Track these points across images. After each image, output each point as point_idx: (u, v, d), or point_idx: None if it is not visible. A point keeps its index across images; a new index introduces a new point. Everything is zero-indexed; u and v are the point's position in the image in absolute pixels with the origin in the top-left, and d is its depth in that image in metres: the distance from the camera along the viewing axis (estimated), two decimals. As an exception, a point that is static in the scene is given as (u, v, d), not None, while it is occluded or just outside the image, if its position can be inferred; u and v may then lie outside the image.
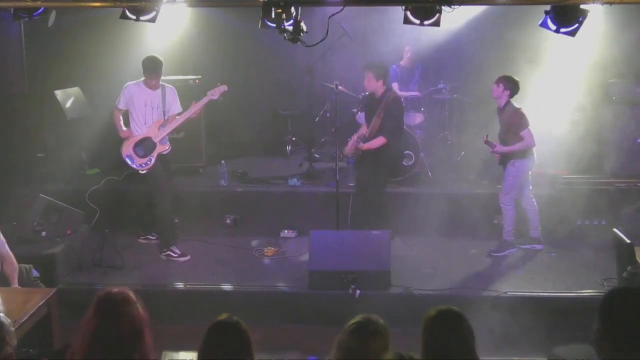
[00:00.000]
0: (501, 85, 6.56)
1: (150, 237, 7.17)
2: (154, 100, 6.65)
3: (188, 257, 6.74)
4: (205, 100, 6.70)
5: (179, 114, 6.75)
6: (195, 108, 6.67)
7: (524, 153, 6.62)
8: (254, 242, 7.12)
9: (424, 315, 2.81)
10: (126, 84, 6.74)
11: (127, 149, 6.63)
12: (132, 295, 2.94)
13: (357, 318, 2.87)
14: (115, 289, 2.94)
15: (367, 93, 7.18)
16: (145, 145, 6.62)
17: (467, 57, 8.79)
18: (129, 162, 6.64)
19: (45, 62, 8.01)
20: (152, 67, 6.55)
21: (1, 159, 7.69)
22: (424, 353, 2.75)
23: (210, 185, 7.82)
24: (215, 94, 6.69)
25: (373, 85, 6.72)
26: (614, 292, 2.68)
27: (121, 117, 6.72)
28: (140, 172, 6.66)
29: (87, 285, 6.08)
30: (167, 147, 6.72)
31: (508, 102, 6.61)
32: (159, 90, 6.67)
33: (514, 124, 6.56)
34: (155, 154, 6.62)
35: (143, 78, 6.66)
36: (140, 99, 6.63)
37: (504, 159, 6.72)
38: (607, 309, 2.61)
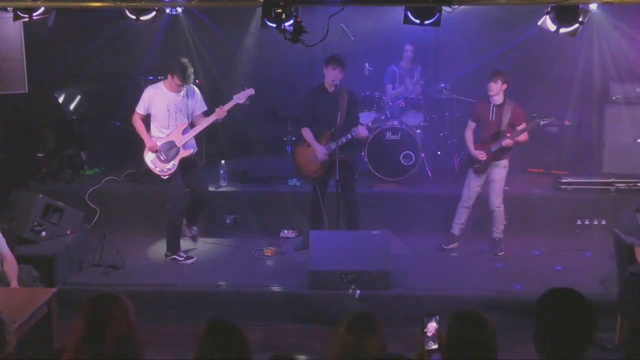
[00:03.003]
0: (499, 80, 6.53)
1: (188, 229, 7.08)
2: (177, 104, 6.42)
3: (194, 259, 6.67)
4: (231, 103, 6.51)
5: (204, 113, 6.59)
6: (221, 112, 6.45)
7: (510, 152, 6.71)
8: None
9: (448, 317, 2.82)
10: (146, 88, 6.57)
11: (150, 154, 6.48)
12: (122, 299, 2.94)
13: (351, 315, 2.88)
14: (105, 292, 2.94)
15: (319, 87, 6.77)
16: (168, 150, 6.46)
17: (467, 56, 8.80)
18: (151, 167, 6.50)
19: (45, 62, 8.01)
20: (182, 70, 6.25)
21: (1, 159, 7.70)
22: (447, 354, 2.76)
23: (210, 185, 7.82)
24: (242, 97, 6.51)
25: (340, 77, 6.53)
26: (549, 292, 2.69)
27: (143, 124, 6.48)
28: (162, 177, 6.52)
29: (87, 285, 6.07)
30: (191, 151, 6.58)
31: (506, 97, 6.62)
32: (182, 93, 6.45)
33: (518, 118, 6.59)
34: (178, 159, 6.47)
35: (163, 81, 6.47)
36: (162, 102, 6.40)
37: (496, 159, 6.68)
38: (543, 309, 2.66)
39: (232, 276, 6.36)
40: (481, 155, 6.67)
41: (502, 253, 6.81)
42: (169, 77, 6.36)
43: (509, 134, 6.55)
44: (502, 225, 6.81)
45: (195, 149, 6.74)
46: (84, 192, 7.48)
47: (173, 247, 6.68)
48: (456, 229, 6.92)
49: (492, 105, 6.65)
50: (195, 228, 7.11)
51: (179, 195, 6.63)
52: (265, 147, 9.56)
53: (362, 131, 6.53)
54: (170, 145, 6.47)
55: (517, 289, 6.02)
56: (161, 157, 6.47)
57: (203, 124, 6.54)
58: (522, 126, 6.58)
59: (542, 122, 6.66)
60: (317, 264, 5.93)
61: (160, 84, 6.50)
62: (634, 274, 4.91)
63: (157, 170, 6.50)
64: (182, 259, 6.65)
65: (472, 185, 6.80)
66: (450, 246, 6.93)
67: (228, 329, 2.81)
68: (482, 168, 6.73)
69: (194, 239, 7.11)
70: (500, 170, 6.71)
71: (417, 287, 6.01)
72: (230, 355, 2.73)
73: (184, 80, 6.28)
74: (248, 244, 7.12)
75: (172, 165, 6.48)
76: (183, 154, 6.49)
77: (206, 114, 6.63)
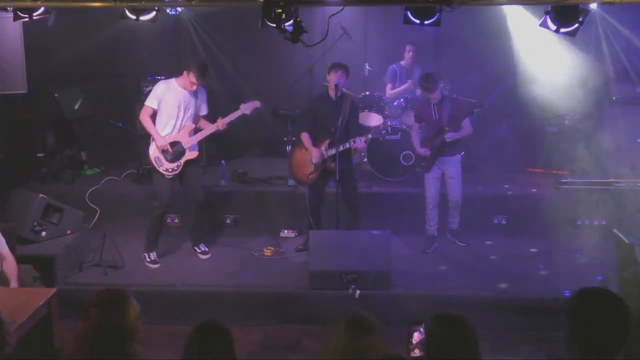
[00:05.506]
0: (438, 82, 6.74)
1: (197, 249, 6.90)
2: (188, 103, 6.36)
3: (158, 266, 6.59)
4: (237, 114, 6.49)
5: (205, 116, 6.57)
6: (226, 120, 6.44)
7: (461, 147, 6.99)
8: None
9: (429, 321, 2.81)
10: (158, 82, 6.45)
11: (156, 151, 6.39)
12: (128, 296, 2.95)
13: (350, 316, 2.88)
14: (112, 289, 2.95)
15: (324, 93, 6.78)
16: (174, 151, 6.40)
17: (466, 56, 8.79)
18: (155, 164, 6.41)
19: (45, 62, 8.01)
20: (200, 68, 6.22)
21: (1, 159, 7.70)
22: (429, 357, 2.75)
23: (210, 185, 7.82)
24: (248, 108, 6.50)
25: (343, 82, 6.55)
26: (582, 292, 2.64)
27: (151, 120, 6.38)
28: (166, 176, 6.42)
29: (87, 285, 6.07)
30: (196, 154, 6.55)
31: (442, 94, 6.85)
32: (194, 92, 6.39)
33: (461, 113, 6.77)
34: (183, 160, 6.43)
35: (175, 77, 6.38)
36: (173, 99, 6.31)
37: (443, 154, 6.81)
38: (577, 309, 2.59)
39: (232, 276, 6.36)
40: (424, 152, 6.84)
41: (428, 250, 6.95)
42: (185, 73, 6.29)
43: (452, 127, 6.72)
44: (459, 216, 7.05)
45: (197, 150, 6.73)
46: (84, 192, 7.48)
47: (147, 246, 6.64)
48: (433, 230, 7.01)
49: (432, 104, 6.82)
50: (202, 246, 6.90)
51: (165, 195, 6.48)
52: (265, 147, 9.54)
53: (359, 143, 6.54)
54: (177, 146, 6.43)
55: (516, 289, 6.04)
56: (168, 157, 6.41)
57: (206, 131, 6.51)
58: (464, 121, 6.78)
59: (475, 110, 6.76)
60: (317, 264, 5.93)
61: (172, 80, 6.41)
62: (634, 274, 4.92)
63: (161, 169, 6.41)
64: (149, 260, 6.62)
65: (430, 185, 6.92)
66: (433, 248, 6.97)
67: (213, 332, 2.79)
68: (428, 165, 6.88)
69: (204, 254, 6.88)
70: (455, 167, 6.89)
71: (417, 287, 6.02)
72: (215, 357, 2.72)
73: (201, 79, 6.26)
74: (248, 244, 7.13)
75: (177, 166, 6.43)
76: (189, 155, 6.46)
77: (206, 117, 6.63)
